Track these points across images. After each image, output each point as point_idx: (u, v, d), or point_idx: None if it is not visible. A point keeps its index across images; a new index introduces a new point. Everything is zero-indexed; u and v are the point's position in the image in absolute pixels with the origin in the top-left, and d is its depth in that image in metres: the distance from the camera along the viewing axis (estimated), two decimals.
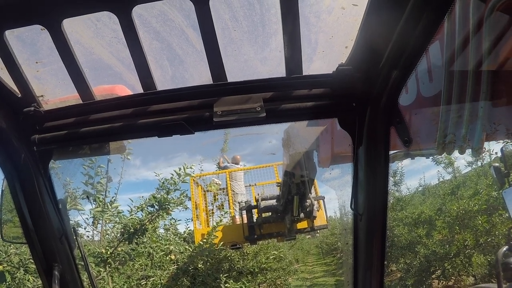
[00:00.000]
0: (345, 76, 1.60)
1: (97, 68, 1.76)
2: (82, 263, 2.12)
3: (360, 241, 2.00)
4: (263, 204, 7.92)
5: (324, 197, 8.31)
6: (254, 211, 8.18)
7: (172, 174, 6.00)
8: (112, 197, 6.28)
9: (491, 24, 1.73)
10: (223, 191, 10.46)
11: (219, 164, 11.17)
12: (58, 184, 1.92)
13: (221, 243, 8.11)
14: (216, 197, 10.60)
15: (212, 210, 10.33)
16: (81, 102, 1.67)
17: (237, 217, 9.44)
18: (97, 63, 1.75)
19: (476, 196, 9.19)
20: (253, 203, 8.40)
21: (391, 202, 14.44)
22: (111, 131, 1.68)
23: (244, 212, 8.37)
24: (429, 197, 14.42)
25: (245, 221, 8.31)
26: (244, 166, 10.83)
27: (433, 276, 10.15)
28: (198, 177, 9.83)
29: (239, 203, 9.35)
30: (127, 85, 1.81)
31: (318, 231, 8.50)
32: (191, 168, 6.46)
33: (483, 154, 12.86)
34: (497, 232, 8.21)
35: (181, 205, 8.74)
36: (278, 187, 7.79)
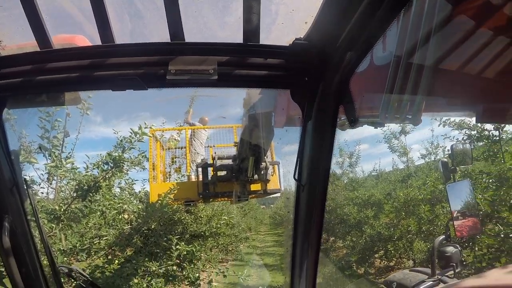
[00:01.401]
0: (301, 50, 1.64)
1: (58, 16, 1.71)
2: (34, 218, 2.08)
3: (300, 211, 2.10)
4: (219, 162, 7.97)
5: (279, 162, 8.40)
6: (210, 169, 8.24)
7: (131, 133, 5.91)
8: (69, 153, 6.19)
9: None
10: (181, 149, 10.45)
11: (187, 119, 11.01)
12: (11, 135, 1.87)
13: (175, 200, 8.20)
14: (174, 154, 10.60)
15: (170, 167, 10.32)
16: (38, 50, 1.62)
17: (193, 175, 9.51)
18: (57, 11, 1.70)
19: (423, 186, 9.62)
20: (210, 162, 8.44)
21: (345, 181, 14.97)
22: (67, 81, 1.65)
23: (200, 170, 8.42)
24: (381, 181, 14.99)
25: (201, 178, 8.37)
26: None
27: (376, 255, 10.68)
28: (158, 131, 9.69)
29: (196, 162, 9.37)
30: (86, 36, 1.78)
31: (271, 195, 8.62)
32: (151, 127, 6.37)
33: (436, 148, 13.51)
34: (439, 223, 8.66)
35: (139, 166, 8.72)
36: (235, 147, 7.86)
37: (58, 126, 5.79)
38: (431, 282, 3.23)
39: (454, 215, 3.58)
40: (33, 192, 6.14)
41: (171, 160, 10.60)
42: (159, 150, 9.59)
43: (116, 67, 1.62)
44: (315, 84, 1.77)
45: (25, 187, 1.98)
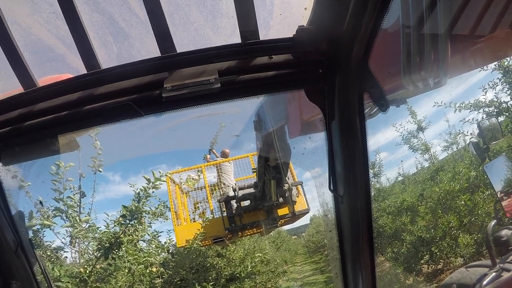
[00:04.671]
0: (307, 39, 1.43)
1: (37, 52, 1.60)
2: (44, 280, 1.92)
3: (344, 226, 1.83)
4: (240, 193, 7.77)
5: (302, 182, 8.17)
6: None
7: (147, 183, 5.74)
8: (87, 213, 6.01)
9: None
10: (201, 190, 10.19)
11: (207, 158, 10.90)
12: (16, 195, 1.72)
13: (203, 240, 7.92)
14: (196, 199, 10.31)
15: (193, 213, 10.07)
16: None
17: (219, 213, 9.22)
18: (36, 45, 1.59)
19: (456, 176, 9.23)
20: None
21: (373, 193, 14.57)
22: (57, 122, 1.49)
23: (223, 204, 8.23)
24: (409, 185, 14.52)
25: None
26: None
27: (422, 261, 10.16)
28: (175, 173, 9.51)
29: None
30: (70, 68, 1.62)
31: (300, 218, 8.35)
32: (166, 174, 6.22)
33: (457, 136, 13.14)
34: (479, 211, 8.24)
35: (162, 216, 8.51)
36: (254, 173, 7.66)
37: (74, 187, 5.69)
38: (494, 274, 2.94)
39: (499, 196, 3.35)
40: (57, 257, 6.05)
41: (193, 206, 10.36)
42: (178, 194, 9.36)
43: (106, 96, 1.44)
44: (332, 75, 1.55)
45: (32, 249, 1.82)
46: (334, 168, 1.75)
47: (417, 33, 1.65)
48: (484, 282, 2.89)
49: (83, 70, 1.44)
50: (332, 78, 1.56)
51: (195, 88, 1.36)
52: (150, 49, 1.40)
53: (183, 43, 1.39)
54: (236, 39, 1.43)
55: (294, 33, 1.44)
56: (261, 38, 1.43)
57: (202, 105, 1.49)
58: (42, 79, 1.53)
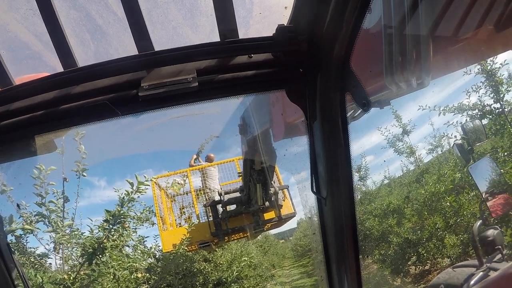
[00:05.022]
0: (287, 38, 1.41)
1: (14, 48, 1.56)
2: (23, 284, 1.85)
3: (328, 229, 1.81)
4: (226, 197, 7.73)
5: (288, 186, 8.19)
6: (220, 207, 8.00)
7: (131, 186, 5.65)
8: (71, 218, 5.88)
9: None
10: (187, 195, 10.12)
11: (191, 163, 10.82)
12: None
13: (189, 244, 7.84)
14: (182, 204, 10.22)
15: (180, 218, 9.98)
16: None
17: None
18: (13, 42, 1.54)
19: (441, 178, 9.33)
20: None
21: (359, 196, 14.63)
22: (33, 122, 1.45)
23: (209, 209, 8.17)
24: (395, 187, 14.66)
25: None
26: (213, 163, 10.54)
27: (409, 262, 10.23)
28: (161, 177, 9.44)
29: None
30: (47, 66, 1.58)
31: (287, 221, 8.33)
32: (151, 179, 6.14)
33: (442, 139, 13.29)
34: (465, 212, 8.32)
35: (147, 221, 8.40)
36: (240, 177, 7.60)
37: (57, 191, 5.56)
38: (481, 273, 2.96)
39: (484, 197, 3.38)
40: (40, 263, 5.89)
41: (180, 211, 10.26)
42: (164, 199, 9.27)
43: (83, 95, 1.40)
44: (313, 75, 1.54)
45: (10, 254, 1.75)
46: (316, 169, 1.73)
47: (399, 34, 1.65)
48: (472, 282, 2.90)
49: (60, 69, 1.40)
50: (313, 78, 1.54)
51: (172, 87, 1.33)
52: (128, 47, 1.37)
53: (161, 42, 1.37)
54: (215, 38, 1.40)
55: (274, 32, 1.42)
56: (241, 37, 1.41)
57: (180, 105, 1.46)
58: (19, 78, 1.49)
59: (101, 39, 1.52)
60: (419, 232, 9.66)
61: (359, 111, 2.06)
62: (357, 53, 1.49)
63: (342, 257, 1.79)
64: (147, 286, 7.15)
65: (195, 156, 10.95)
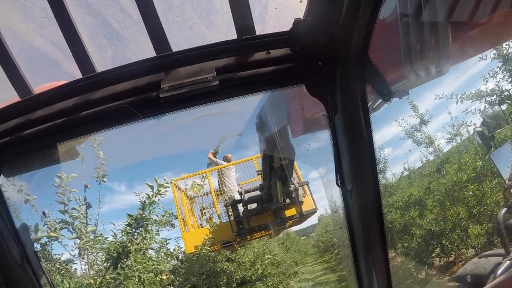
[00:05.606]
0: (304, 31, 1.40)
1: (32, 58, 1.58)
2: None
3: (354, 221, 1.79)
4: (247, 196, 7.70)
5: (308, 182, 8.13)
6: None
7: (152, 190, 5.71)
8: (94, 224, 5.98)
9: None
10: (207, 195, 10.14)
11: (210, 157, 10.81)
12: (19, 207, 1.70)
13: (212, 245, 7.88)
14: (202, 205, 10.27)
15: (200, 219, 10.03)
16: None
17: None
18: (31, 52, 1.57)
19: (462, 167, 9.17)
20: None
21: (380, 189, 14.44)
22: (55, 130, 1.46)
23: (230, 208, 8.19)
24: (415, 179, 14.45)
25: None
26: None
27: (433, 254, 10.08)
28: (180, 180, 9.47)
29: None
30: (66, 74, 1.60)
31: (307, 216, 8.24)
32: (171, 181, 6.17)
33: (461, 127, 13.07)
34: (488, 201, 8.16)
35: (168, 224, 8.47)
36: (259, 176, 7.59)
37: (79, 198, 5.65)
38: (508, 262, 2.89)
39: (508, 184, 3.31)
40: (66, 269, 6.03)
41: (200, 212, 10.32)
42: (185, 201, 9.32)
43: (103, 100, 1.41)
44: (332, 68, 1.52)
45: (37, 261, 1.78)
46: (340, 162, 1.71)
47: (416, 22, 1.62)
48: (499, 271, 2.84)
49: (78, 75, 1.41)
50: (333, 70, 1.53)
51: (193, 87, 1.34)
52: (145, 50, 1.37)
53: (178, 42, 1.37)
54: (232, 35, 1.40)
55: (291, 26, 1.41)
56: (258, 33, 1.41)
57: (201, 105, 1.46)
58: (38, 88, 1.51)
59: (118, 44, 1.53)
60: (442, 223, 9.51)
61: (379, 102, 2.03)
62: (375, 43, 1.47)
63: (370, 249, 1.77)
64: (172, 287, 7.21)
65: (212, 152, 10.97)
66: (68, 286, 4.90)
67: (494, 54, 7.17)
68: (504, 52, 7.03)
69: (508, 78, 7.11)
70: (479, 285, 3.06)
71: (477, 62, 7.56)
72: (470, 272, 3.31)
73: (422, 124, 13.98)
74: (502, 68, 7.17)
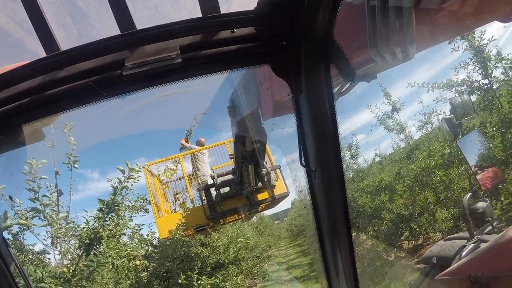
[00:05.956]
0: (269, 11, 1.41)
1: None
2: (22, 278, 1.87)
3: (318, 201, 1.83)
4: (219, 180, 7.73)
5: (280, 166, 8.19)
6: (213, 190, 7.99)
7: (123, 174, 5.63)
8: (66, 211, 5.84)
9: None
10: (180, 180, 10.10)
11: (183, 143, 10.73)
12: None
13: (186, 229, 7.88)
14: (175, 189, 10.24)
15: (174, 204, 10.00)
16: None
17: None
18: None
19: (431, 153, 9.43)
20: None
21: (351, 174, 14.75)
22: (20, 110, 1.44)
23: (203, 193, 8.17)
24: (386, 165, 14.79)
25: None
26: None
27: (402, 237, 10.39)
28: (153, 164, 9.40)
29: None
30: (30, 53, 1.56)
31: (281, 201, 8.33)
32: (143, 166, 6.12)
33: (431, 116, 13.40)
34: (455, 187, 8.44)
35: (142, 210, 8.40)
36: (232, 159, 7.62)
37: (49, 185, 5.53)
38: (473, 245, 3.00)
39: (474, 170, 3.41)
40: (39, 259, 5.90)
41: (174, 197, 10.27)
42: (158, 186, 9.27)
43: (67, 79, 1.39)
44: (296, 47, 1.54)
45: (7, 249, 1.75)
46: (304, 142, 1.75)
47: (382, 4, 1.65)
48: (463, 253, 2.95)
49: (43, 54, 1.39)
50: (297, 50, 1.55)
51: (156, 64, 1.34)
52: (110, 28, 1.36)
53: (143, 21, 1.36)
54: (197, 14, 1.40)
55: (256, 5, 1.42)
56: (223, 12, 1.41)
57: (165, 84, 1.46)
58: (1, 69, 1.47)
59: (82, 22, 1.51)
60: (411, 207, 9.79)
61: (347, 85, 2.07)
62: (341, 25, 1.50)
63: (334, 229, 1.81)
64: (146, 273, 7.20)
65: (185, 138, 10.89)
66: (41, 275, 4.82)
67: (466, 45, 7.35)
68: (476, 44, 7.21)
69: (479, 70, 7.31)
70: (444, 267, 3.17)
71: (450, 53, 7.74)
72: (436, 254, 3.42)
73: (394, 111, 14.29)
74: (473, 60, 7.37)
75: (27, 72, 1.39)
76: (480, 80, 7.35)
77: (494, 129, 6.62)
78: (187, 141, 10.68)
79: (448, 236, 3.75)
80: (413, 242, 10.29)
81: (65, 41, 1.39)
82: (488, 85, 7.19)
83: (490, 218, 3.11)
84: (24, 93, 1.41)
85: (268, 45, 1.52)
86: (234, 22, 1.43)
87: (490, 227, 3.11)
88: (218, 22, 1.41)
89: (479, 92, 7.35)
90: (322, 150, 1.70)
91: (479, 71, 7.29)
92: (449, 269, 2.78)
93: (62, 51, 1.37)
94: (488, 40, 7.18)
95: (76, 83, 1.40)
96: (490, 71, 7.15)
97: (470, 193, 3.27)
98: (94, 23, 1.53)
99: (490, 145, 6.06)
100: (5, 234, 5.25)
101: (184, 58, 1.36)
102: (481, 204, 3.13)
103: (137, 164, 5.81)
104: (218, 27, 1.42)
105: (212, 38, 1.43)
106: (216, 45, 1.44)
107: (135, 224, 7.76)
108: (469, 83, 7.55)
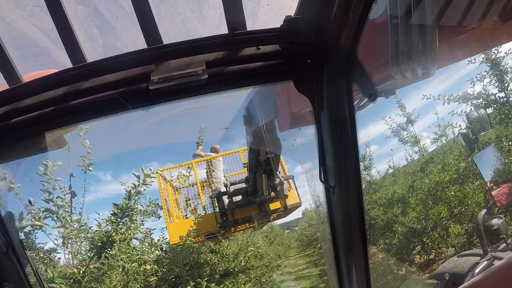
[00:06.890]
0: (295, 29, 1.42)
1: (22, 46, 1.56)
2: (36, 279, 1.91)
3: (336, 217, 1.83)
4: (232, 188, 7.74)
5: (293, 176, 8.18)
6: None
7: (137, 179, 5.68)
8: (79, 213, 5.93)
9: None
10: (193, 187, 10.10)
11: (198, 153, 10.79)
12: (4, 195, 1.69)
13: (196, 236, 7.89)
14: (187, 196, 10.25)
15: (185, 210, 10.01)
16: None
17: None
18: (21, 40, 1.55)
19: (446, 167, 9.32)
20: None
21: (364, 186, 14.58)
22: (43, 119, 1.45)
23: (215, 200, 8.18)
24: (399, 177, 14.64)
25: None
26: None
27: (414, 252, 10.25)
28: (166, 170, 9.43)
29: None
30: (56, 63, 1.59)
31: (291, 209, 8.29)
32: (157, 171, 6.16)
33: (446, 128, 13.24)
34: (469, 202, 8.32)
35: (154, 215, 8.44)
36: (245, 168, 7.65)
37: (64, 187, 5.61)
38: (486, 262, 2.96)
39: (489, 186, 3.37)
40: (50, 258, 5.96)
41: (185, 203, 10.30)
42: (170, 191, 9.30)
43: (92, 90, 1.41)
44: (320, 65, 1.55)
45: (23, 250, 1.78)
46: (324, 159, 1.74)
47: (405, 24, 1.65)
48: (476, 270, 2.91)
49: (68, 64, 1.41)
50: (321, 68, 1.56)
51: (182, 80, 1.35)
52: (136, 42, 1.38)
53: (169, 35, 1.38)
54: (223, 30, 1.41)
55: (282, 23, 1.43)
56: (248, 28, 1.42)
57: (190, 98, 1.48)
58: (27, 75, 1.50)
59: (109, 34, 1.53)
60: (423, 221, 9.67)
61: (365, 100, 2.06)
62: (364, 43, 1.50)
63: (350, 245, 1.81)
64: (155, 278, 7.23)
65: (201, 147, 10.96)
66: (51, 275, 4.87)
67: (483, 58, 7.28)
68: (492, 57, 7.14)
69: (495, 83, 7.23)
70: (456, 283, 3.13)
71: (466, 65, 7.69)
72: (449, 270, 3.38)
73: (408, 123, 14.15)
74: (490, 73, 7.29)
75: (52, 82, 1.42)
76: (496, 93, 7.28)
77: (510, 143, 6.53)
78: (201, 150, 10.73)
79: (462, 253, 3.70)
80: (425, 256, 10.14)
81: (91, 52, 1.41)
82: (505, 99, 7.12)
83: (504, 235, 3.08)
84: (49, 101, 1.43)
85: (292, 62, 1.53)
86: (260, 39, 1.44)
87: (504, 244, 3.09)
88: (244, 39, 1.42)
89: (495, 106, 7.26)
90: (341, 166, 1.70)
91: (496, 84, 7.22)
92: (461, 286, 2.74)
93: (88, 63, 1.39)
94: (505, 53, 7.13)
95: (101, 94, 1.41)
96: (506, 84, 7.09)
97: (485, 209, 3.24)
98: (121, 36, 1.56)
99: (506, 160, 5.98)
100: (20, 233, 5.34)
101: (210, 74, 1.37)
102: (496, 221, 3.10)
103: (150, 169, 5.86)
104: (244, 43, 1.43)
105: (238, 54, 1.44)
106: (241, 62, 1.45)
107: (146, 228, 7.81)
108: (485, 96, 7.47)
